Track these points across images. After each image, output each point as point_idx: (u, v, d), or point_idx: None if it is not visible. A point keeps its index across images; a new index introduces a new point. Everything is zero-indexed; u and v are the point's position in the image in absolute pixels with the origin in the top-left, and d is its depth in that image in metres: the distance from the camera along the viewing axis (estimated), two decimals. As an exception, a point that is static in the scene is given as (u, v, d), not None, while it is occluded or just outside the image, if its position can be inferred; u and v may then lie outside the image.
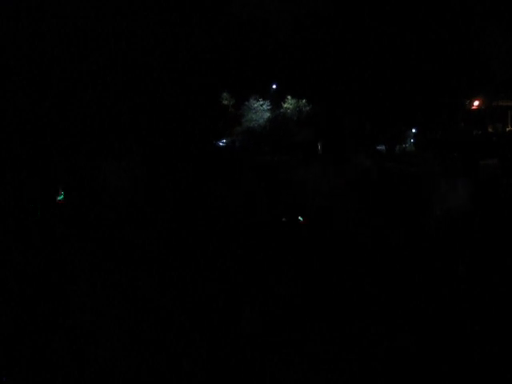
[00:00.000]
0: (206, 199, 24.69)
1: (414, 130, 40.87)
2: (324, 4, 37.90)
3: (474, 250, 18.08)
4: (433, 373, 10.57)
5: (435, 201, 25.37)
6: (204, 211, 22.86)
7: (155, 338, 11.75)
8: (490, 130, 39.55)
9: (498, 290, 14.43)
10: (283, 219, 22.06)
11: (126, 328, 12.18)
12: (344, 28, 37.41)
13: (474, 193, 26.62)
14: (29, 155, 27.45)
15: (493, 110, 39.19)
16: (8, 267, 15.41)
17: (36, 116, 31.09)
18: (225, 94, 38.68)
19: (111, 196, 24.51)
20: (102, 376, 10.39)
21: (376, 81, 36.75)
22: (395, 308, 13.42)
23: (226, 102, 38.95)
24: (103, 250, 17.40)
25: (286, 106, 39.71)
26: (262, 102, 39.15)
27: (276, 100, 39.73)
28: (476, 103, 38.84)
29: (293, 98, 39.51)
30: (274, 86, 39.93)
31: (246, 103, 38.99)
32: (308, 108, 39.50)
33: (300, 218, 21.91)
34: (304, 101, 39.41)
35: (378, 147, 39.98)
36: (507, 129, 39.63)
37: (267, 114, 39.58)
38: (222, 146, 39.29)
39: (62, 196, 22.81)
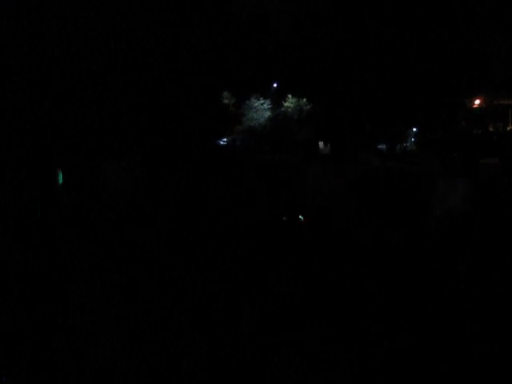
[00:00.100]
0: (207, 198, 24.69)
1: (414, 129, 40.84)
2: (324, 4, 37.89)
3: (473, 249, 18.07)
4: (433, 373, 10.56)
5: (435, 201, 25.39)
6: (204, 211, 22.85)
7: (155, 337, 11.74)
8: (490, 129, 39.51)
9: (497, 290, 14.42)
10: (284, 218, 22.05)
11: (125, 328, 12.18)
12: (344, 28, 37.38)
13: (473, 193, 26.63)
14: (29, 155, 27.43)
15: (493, 109, 39.14)
16: (8, 267, 15.40)
17: (36, 116, 31.07)
18: (225, 93, 38.67)
19: (111, 196, 24.51)
20: (102, 376, 10.38)
21: (376, 80, 36.72)
22: (395, 308, 13.41)
23: (226, 101, 38.94)
24: (103, 249, 17.39)
25: (286, 104, 39.67)
26: (262, 101, 39.13)
27: (277, 99, 39.70)
28: (477, 102, 38.81)
29: (293, 96, 39.49)
30: (275, 85, 39.90)
31: (247, 102, 38.97)
32: (309, 107, 39.48)
33: (301, 217, 21.91)
34: (305, 100, 39.39)
35: (379, 146, 39.95)
36: (508, 128, 39.58)
37: (268, 113, 39.55)
38: (223, 145, 39.28)
39: (61, 179, 22.71)
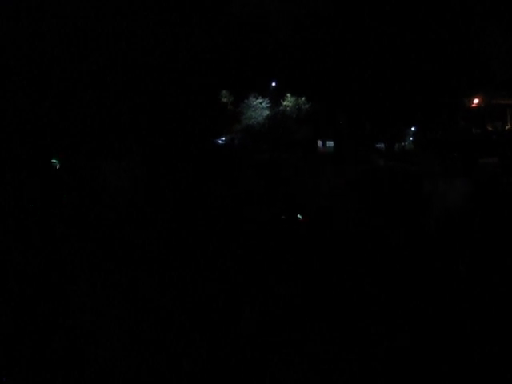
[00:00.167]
0: (206, 198, 24.70)
1: (413, 129, 40.85)
2: (324, 4, 37.89)
3: (473, 249, 18.08)
4: (433, 373, 10.57)
5: (434, 200, 25.39)
6: (204, 210, 22.86)
7: (155, 337, 11.74)
8: (489, 128, 39.52)
9: (498, 290, 14.43)
10: (282, 217, 22.04)
11: (125, 328, 12.18)
12: (344, 28, 37.39)
13: (473, 192, 26.63)
14: (29, 155, 27.43)
15: (492, 108, 39.15)
16: (8, 267, 15.40)
17: (36, 116, 31.08)
18: (224, 92, 38.66)
19: (111, 196, 24.51)
20: (102, 376, 10.38)
21: (376, 80, 36.74)
22: (395, 308, 13.41)
23: (225, 100, 38.94)
24: (103, 249, 17.39)
25: (285, 103, 39.66)
26: (261, 100, 39.10)
27: (275, 98, 39.70)
28: (475, 101, 38.80)
29: (292, 95, 39.48)
30: (274, 84, 39.88)
31: (246, 101, 38.96)
32: (307, 106, 39.47)
33: (299, 216, 21.90)
34: (303, 98, 39.37)
35: (377, 145, 39.97)
36: (506, 127, 39.59)
37: (266, 112, 39.54)
38: (221, 144, 39.28)
39: (56, 162, 22.62)
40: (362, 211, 23.74)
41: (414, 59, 36.43)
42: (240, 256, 17.20)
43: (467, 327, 12.22)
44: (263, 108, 39.41)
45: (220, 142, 39.31)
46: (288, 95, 39.46)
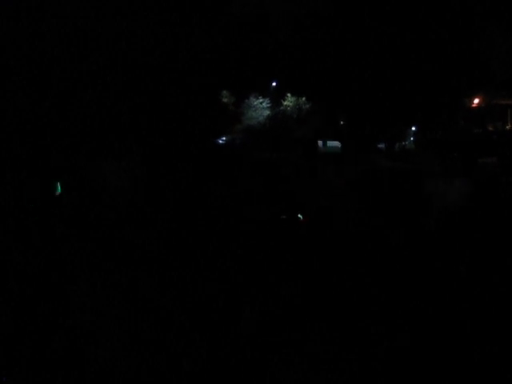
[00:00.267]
0: (206, 198, 24.71)
1: (413, 128, 40.90)
2: (324, 4, 37.92)
3: (474, 249, 18.09)
4: (433, 373, 10.57)
5: (435, 200, 25.41)
6: (204, 210, 22.87)
7: (155, 338, 11.74)
8: (490, 128, 39.56)
9: (498, 290, 14.43)
10: (283, 217, 22.05)
11: (125, 328, 12.18)
12: (344, 28, 37.42)
13: (473, 192, 26.65)
14: (28, 155, 27.44)
15: (493, 108, 39.22)
16: (8, 267, 15.41)
17: (36, 116, 31.09)
18: (225, 92, 38.71)
19: (111, 196, 24.52)
20: (102, 376, 10.38)
21: (376, 80, 36.77)
22: (395, 308, 13.41)
23: (225, 100, 38.98)
24: (103, 249, 17.40)
25: (285, 103, 39.77)
26: (261, 100, 39.21)
27: (276, 98, 39.78)
28: (476, 101, 38.85)
29: (293, 95, 39.51)
30: (274, 84, 39.93)
31: (246, 101, 39.07)
32: (308, 106, 39.50)
33: (300, 216, 21.91)
34: (304, 98, 39.41)
35: (378, 145, 40.03)
36: (507, 127, 39.63)
37: (267, 112, 39.65)
38: (222, 144, 39.34)
39: (59, 189, 22.65)
40: (361, 211, 23.77)
41: (414, 59, 36.47)
42: (240, 256, 17.20)
43: (467, 327, 12.22)
44: (264, 108, 39.50)
45: (221, 141, 39.37)
46: (288, 95, 39.56)
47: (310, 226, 21.24)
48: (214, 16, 37.37)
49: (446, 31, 36.26)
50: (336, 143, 40.79)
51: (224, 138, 38.79)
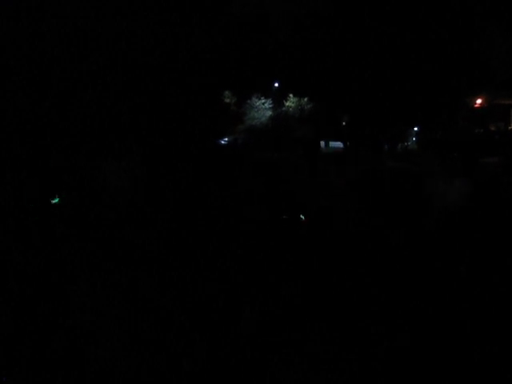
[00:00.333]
0: (207, 198, 24.70)
1: (415, 129, 40.88)
2: (324, 4, 37.91)
3: (474, 249, 18.08)
4: (433, 373, 10.56)
5: (435, 201, 25.40)
6: (205, 210, 22.86)
7: (155, 337, 11.74)
8: (492, 128, 39.53)
9: (498, 290, 14.43)
10: (284, 217, 22.04)
11: (125, 328, 12.18)
12: (344, 28, 37.40)
13: (474, 192, 26.64)
14: (29, 155, 27.44)
15: (495, 109, 39.17)
16: (8, 267, 15.41)
17: (36, 116, 31.08)
18: (227, 93, 38.69)
19: (111, 196, 24.51)
20: (102, 376, 10.38)
21: (376, 80, 36.75)
22: (395, 308, 13.41)
23: (227, 101, 38.98)
24: (103, 249, 17.40)
25: (288, 104, 39.70)
26: (263, 100, 39.16)
27: (278, 98, 39.74)
28: (478, 101, 38.83)
29: (295, 96, 39.50)
30: (276, 85, 39.90)
31: (248, 101, 39.02)
32: (310, 106, 39.49)
33: (302, 216, 21.89)
34: (306, 99, 39.40)
35: (379, 146, 39.96)
36: (509, 127, 39.61)
37: (269, 112, 39.59)
38: (224, 145, 39.33)
39: (57, 199, 22.66)
40: (362, 211, 23.77)
41: (414, 59, 36.45)
42: (240, 256, 17.19)
43: (467, 327, 12.21)
44: (266, 108, 39.47)
45: (223, 142, 39.36)
46: (290, 96, 39.51)
47: (311, 226, 21.25)
48: (214, 16, 37.38)
49: (445, 31, 36.27)
50: (338, 143, 40.82)
51: (226, 139, 38.79)
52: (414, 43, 36.49)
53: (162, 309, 13.14)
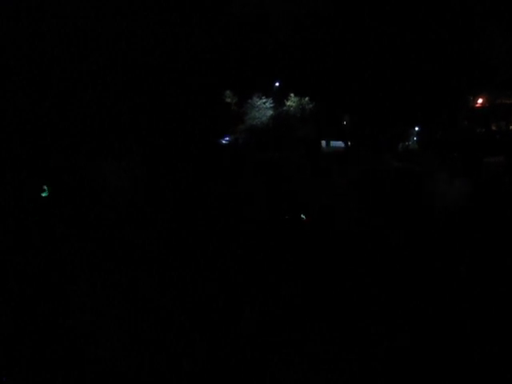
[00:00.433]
0: (208, 198, 24.69)
1: (417, 129, 40.87)
2: (324, 4, 37.90)
3: (474, 249, 18.08)
4: (433, 373, 10.56)
5: (436, 201, 25.40)
6: (206, 210, 22.86)
7: (155, 337, 11.74)
8: (493, 128, 39.50)
9: (498, 290, 14.42)
10: (286, 217, 22.03)
11: (125, 328, 12.18)
12: (344, 28, 37.40)
13: (474, 192, 26.63)
14: (28, 155, 27.43)
15: (496, 108, 39.14)
16: (8, 267, 15.41)
17: (36, 116, 31.08)
18: (228, 92, 38.68)
19: (111, 196, 24.51)
20: (102, 376, 10.39)
21: (376, 80, 36.76)
22: (395, 308, 13.41)
23: (228, 100, 38.97)
24: (103, 249, 17.39)
25: (288, 103, 39.68)
26: (264, 100, 39.15)
27: (279, 98, 39.72)
28: (480, 101, 38.81)
29: (296, 95, 39.47)
30: (277, 84, 39.88)
31: (249, 101, 39.01)
32: (311, 106, 39.46)
33: (303, 216, 21.88)
34: (307, 98, 39.36)
35: (380, 145, 39.94)
36: (510, 127, 39.58)
37: (270, 112, 39.57)
38: (225, 144, 39.33)
39: (46, 193, 22.59)
40: (363, 211, 23.76)
41: (414, 59, 36.45)
42: (241, 256, 17.19)
43: (467, 327, 12.21)
44: (267, 108, 39.46)
45: (224, 141, 39.35)
46: (291, 95, 39.49)
47: (312, 226, 21.24)
48: (214, 16, 37.38)
49: (446, 31, 36.27)
50: (339, 143, 40.83)
51: (227, 138, 38.78)
52: (414, 43, 36.48)
53: (162, 309, 13.14)
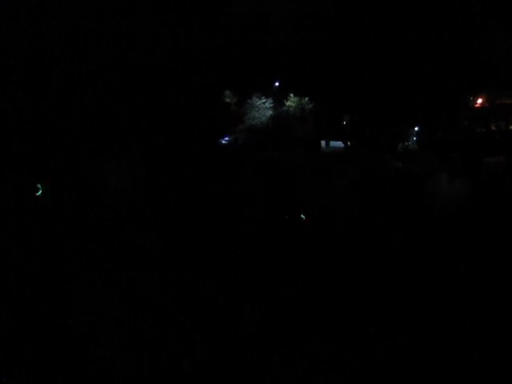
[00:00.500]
0: (207, 198, 24.69)
1: (416, 129, 40.84)
2: (324, 4, 37.89)
3: (474, 250, 18.09)
4: (433, 373, 10.56)
5: (436, 201, 25.41)
6: (205, 210, 22.86)
7: (155, 338, 11.74)
8: (493, 128, 39.48)
9: (498, 290, 14.42)
10: (285, 217, 22.04)
11: (125, 328, 12.18)
12: (344, 28, 37.38)
13: (474, 192, 26.63)
14: (28, 155, 27.43)
15: (496, 108, 39.12)
16: (8, 267, 15.41)
17: (36, 116, 31.07)
18: (227, 92, 38.67)
19: (111, 196, 24.51)
20: (102, 376, 10.38)
21: (376, 80, 36.75)
22: (395, 308, 13.41)
23: (228, 100, 38.95)
24: (103, 250, 17.39)
25: (288, 103, 39.65)
26: (264, 100, 39.13)
27: (279, 98, 39.69)
28: (479, 101, 38.80)
29: (295, 95, 39.45)
30: (277, 84, 39.86)
31: (249, 101, 38.99)
32: (311, 106, 39.44)
33: (302, 216, 21.88)
34: (307, 99, 39.34)
35: (380, 145, 39.92)
36: (510, 127, 39.56)
37: (270, 112, 39.54)
38: (225, 144, 39.32)
39: (40, 192, 22.59)
40: (362, 211, 23.77)
41: (415, 59, 36.45)
42: (241, 256, 17.19)
43: (467, 327, 12.21)
44: (266, 108, 39.43)
45: (224, 141, 39.33)
46: (291, 95, 39.46)
47: (312, 226, 21.24)
48: (214, 16, 37.37)
49: (446, 31, 36.27)
50: (339, 143, 40.83)
51: (227, 139, 38.77)
52: (414, 43, 36.47)
53: (162, 309, 13.14)
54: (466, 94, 38.34)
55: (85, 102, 32.96)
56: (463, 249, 18.24)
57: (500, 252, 17.68)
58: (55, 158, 28.36)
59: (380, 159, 36.38)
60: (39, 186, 22.73)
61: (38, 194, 22.50)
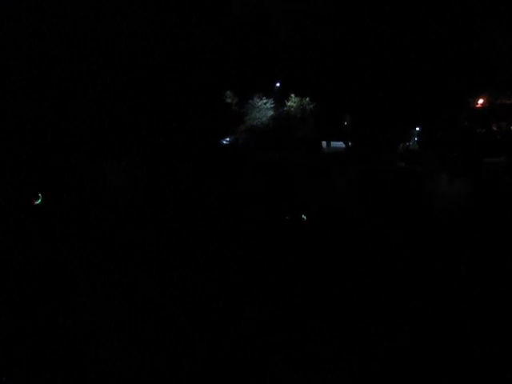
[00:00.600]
0: (208, 198, 24.70)
1: (417, 129, 40.82)
2: (324, 4, 37.89)
3: (474, 250, 18.08)
4: (433, 373, 10.56)
5: (436, 200, 25.41)
6: (205, 210, 22.86)
7: (155, 338, 11.74)
8: (494, 128, 39.46)
9: (498, 290, 14.42)
10: (286, 217, 22.04)
11: (125, 328, 12.18)
12: (344, 28, 37.38)
13: (474, 192, 26.63)
14: (29, 155, 27.44)
15: (497, 109, 39.09)
16: (8, 267, 15.41)
17: (36, 116, 31.08)
18: (228, 93, 38.67)
19: (111, 196, 24.52)
20: (102, 376, 10.38)
21: (376, 80, 36.74)
22: (395, 308, 13.40)
23: (229, 101, 38.95)
24: (103, 250, 17.39)
25: (289, 104, 39.63)
26: (265, 100, 39.11)
27: (279, 98, 39.67)
28: (480, 101, 38.77)
29: (296, 96, 39.42)
30: (278, 84, 39.84)
31: (250, 101, 38.97)
32: (311, 106, 39.42)
33: (303, 216, 21.87)
34: (307, 99, 39.32)
35: (380, 145, 39.90)
36: (511, 127, 39.54)
37: (271, 112, 39.53)
38: (226, 145, 39.32)
39: (40, 200, 22.58)
40: (363, 211, 23.77)
41: (415, 59, 36.44)
42: (241, 256, 17.19)
43: (467, 327, 12.21)
44: (267, 108, 39.41)
45: (224, 142, 39.33)
46: (292, 96, 39.44)
47: (313, 227, 21.23)
48: (214, 16, 37.38)
49: (446, 31, 36.26)
50: (340, 143, 40.84)
51: (227, 139, 38.76)
52: (415, 43, 36.46)
53: (162, 309, 13.14)
54: (467, 94, 38.31)
55: (85, 102, 32.98)
56: (463, 249, 18.22)
57: (500, 252, 17.67)
58: (55, 158, 28.37)
59: (381, 159, 36.37)
60: (40, 194, 22.72)
61: (37, 202, 22.47)
